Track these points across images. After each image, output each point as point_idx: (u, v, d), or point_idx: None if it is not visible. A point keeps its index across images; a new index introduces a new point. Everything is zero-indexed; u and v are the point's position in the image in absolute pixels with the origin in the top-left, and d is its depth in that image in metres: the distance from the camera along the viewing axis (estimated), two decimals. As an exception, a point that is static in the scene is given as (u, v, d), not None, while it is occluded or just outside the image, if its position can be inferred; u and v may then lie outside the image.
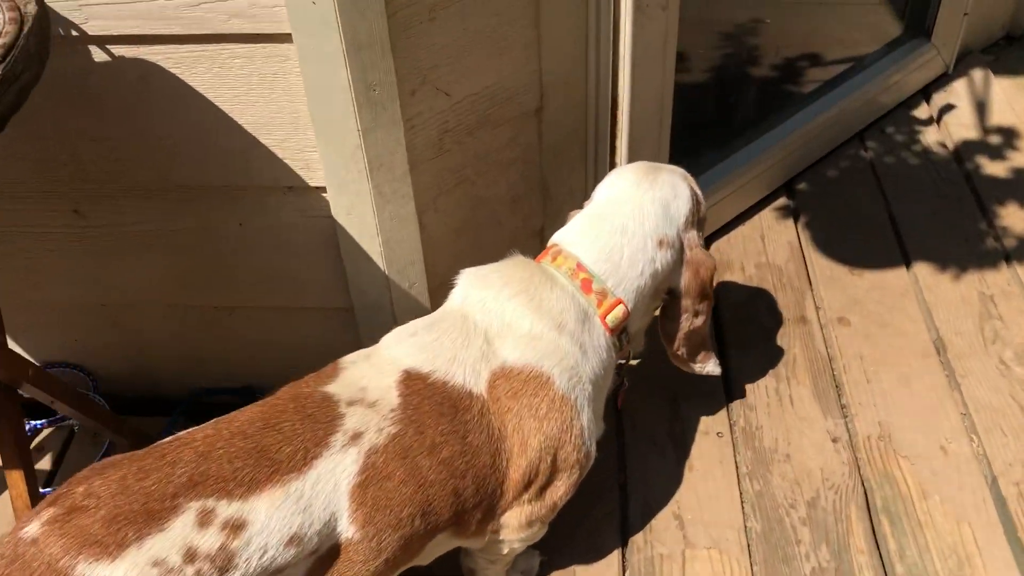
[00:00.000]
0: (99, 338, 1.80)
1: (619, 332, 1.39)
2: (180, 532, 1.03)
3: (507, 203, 1.73)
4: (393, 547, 1.18)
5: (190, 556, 1.03)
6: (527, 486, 1.29)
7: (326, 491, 1.13)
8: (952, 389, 1.80)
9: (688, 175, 1.51)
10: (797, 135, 2.29)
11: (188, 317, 1.73)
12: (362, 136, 1.37)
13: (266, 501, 1.08)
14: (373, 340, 1.33)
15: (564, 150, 1.74)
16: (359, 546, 1.16)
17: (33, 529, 1.02)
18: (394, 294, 1.60)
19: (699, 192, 1.52)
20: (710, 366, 1.60)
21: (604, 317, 1.36)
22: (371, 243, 1.52)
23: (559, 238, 1.43)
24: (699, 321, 1.51)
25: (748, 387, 1.84)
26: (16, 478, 1.45)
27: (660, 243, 1.40)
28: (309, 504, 1.11)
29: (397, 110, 1.38)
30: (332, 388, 1.23)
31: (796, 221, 2.22)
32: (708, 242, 2.18)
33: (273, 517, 1.08)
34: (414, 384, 1.24)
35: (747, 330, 1.96)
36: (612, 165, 1.80)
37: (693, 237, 1.45)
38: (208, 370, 1.85)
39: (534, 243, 1.83)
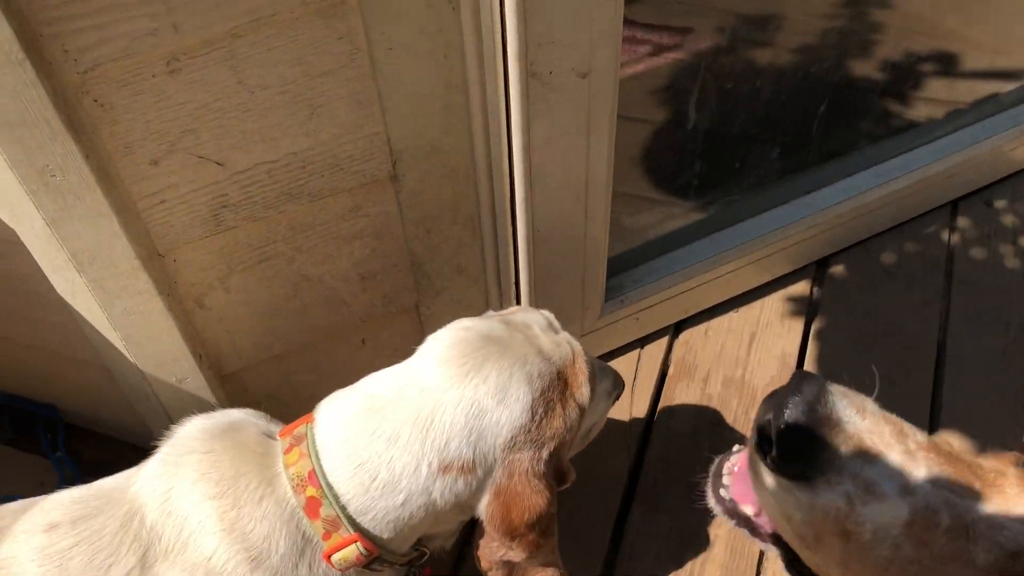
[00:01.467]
0: None
1: (369, 563, 0.98)
2: None
3: (353, 280, 1.28)
4: None
5: None
6: None
7: None
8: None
9: (555, 361, 1.01)
10: (852, 203, 1.68)
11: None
12: (52, 227, 0.96)
13: None
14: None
15: (440, 225, 1.26)
16: None
17: None
18: (157, 388, 1.23)
19: (579, 398, 1.03)
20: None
21: (328, 555, 0.95)
22: (110, 334, 1.13)
23: (324, 413, 1.01)
24: (518, 555, 1.06)
25: (637, 568, 1.40)
26: None
27: (445, 469, 0.95)
28: None
29: (100, 199, 0.95)
30: None
31: (809, 323, 1.67)
32: (680, 327, 1.67)
33: None
34: None
35: (668, 482, 1.48)
36: (516, 251, 1.31)
37: (522, 462, 0.98)
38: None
39: (404, 321, 1.39)
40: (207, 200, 1.06)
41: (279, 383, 1.41)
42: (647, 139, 1.96)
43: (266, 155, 1.05)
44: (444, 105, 1.10)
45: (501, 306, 1.43)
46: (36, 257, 1.03)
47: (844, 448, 0.78)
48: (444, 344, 1.01)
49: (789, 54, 2.04)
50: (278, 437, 1.01)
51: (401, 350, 1.45)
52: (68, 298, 1.10)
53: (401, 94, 1.06)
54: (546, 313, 1.09)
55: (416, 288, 1.35)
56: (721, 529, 1.43)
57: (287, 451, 0.97)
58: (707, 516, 1.32)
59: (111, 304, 1.07)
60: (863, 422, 0.80)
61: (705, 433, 1.54)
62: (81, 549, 0.92)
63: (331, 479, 0.95)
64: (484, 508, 0.99)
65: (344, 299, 1.31)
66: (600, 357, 1.62)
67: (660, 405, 1.58)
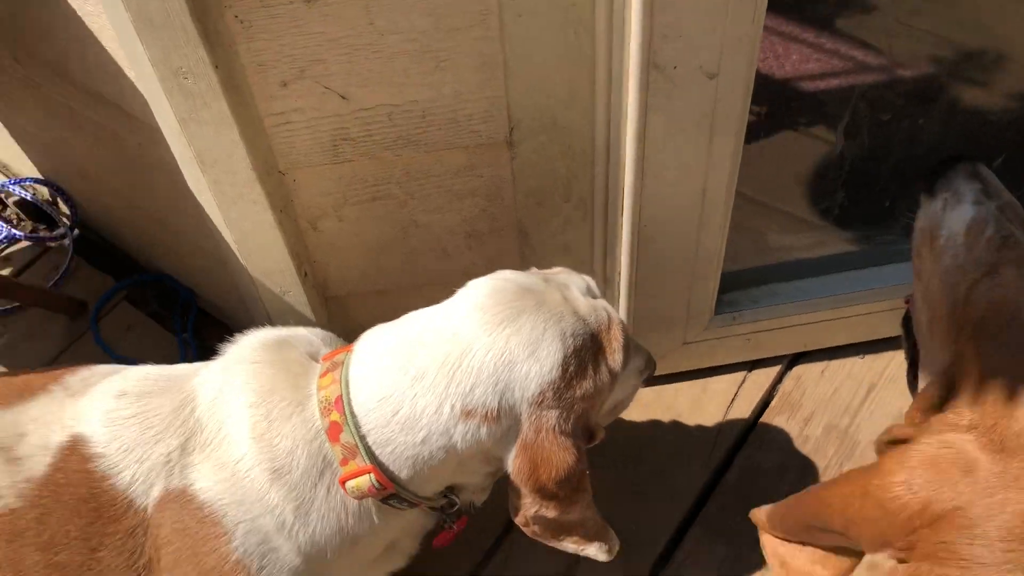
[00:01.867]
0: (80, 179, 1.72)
1: (385, 497, 1.02)
2: None
3: (460, 236, 1.31)
4: None
5: None
6: None
7: None
8: None
9: (591, 324, 1.00)
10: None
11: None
12: (182, 125, 1.05)
13: None
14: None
15: (551, 200, 1.26)
16: None
17: None
18: (263, 293, 1.31)
19: (611, 363, 1.02)
20: (591, 550, 1.16)
21: (343, 481, 0.99)
22: (226, 234, 1.22)
23: (362, 344, 1.05)
24: (549, 513, 1.07)
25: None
26: None
27: (468, 414, 0.96)
28: None
29: (224, 108, 1.02)
30: None
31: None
32: (797, 360, 1.58)
33: None
34: (71, 460, 0.99)
35: (736, 513, 1.42)
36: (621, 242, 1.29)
37: (549, 419, 0.98)
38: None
39: (506, 286, 1.41)
40: (329, 130, 1.12)
41: (379, 316, 1.46)
42: (820, 159, 1.85)
43: (389, 98, 1.09)
44: (568, 81, 1.09)
45: (605, 292, 1.41)
46: (172, 149, 1.13)
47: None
48: (482, 291, 1.01)
49: (1001, 97, 1.86)
50: (321, 361, 1.05)
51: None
52: (195, 193, 1.19)
53: (526, 63, 1.06)
54: (587, 278, 1.08)
55: (520, 257, 1.36)
56: None
57: (322, 375, 1.02)
58: (762, 562, 1.27)
59: (228, 207, 1.16)
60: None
61: (790, 474, 1.46)
62: (137, 421, 1.01)
63: (355, 407, 0.98)
64: (511, 462, 1.00)
65: (449, 252, 1.34)
66: (702, 372, 1.56)
67: (752, 434, 1.51)
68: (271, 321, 1.39)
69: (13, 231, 1.82)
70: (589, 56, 1.06)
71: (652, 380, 1.50)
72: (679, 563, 1.38)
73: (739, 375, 1.57)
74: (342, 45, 1.02)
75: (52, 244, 1.83)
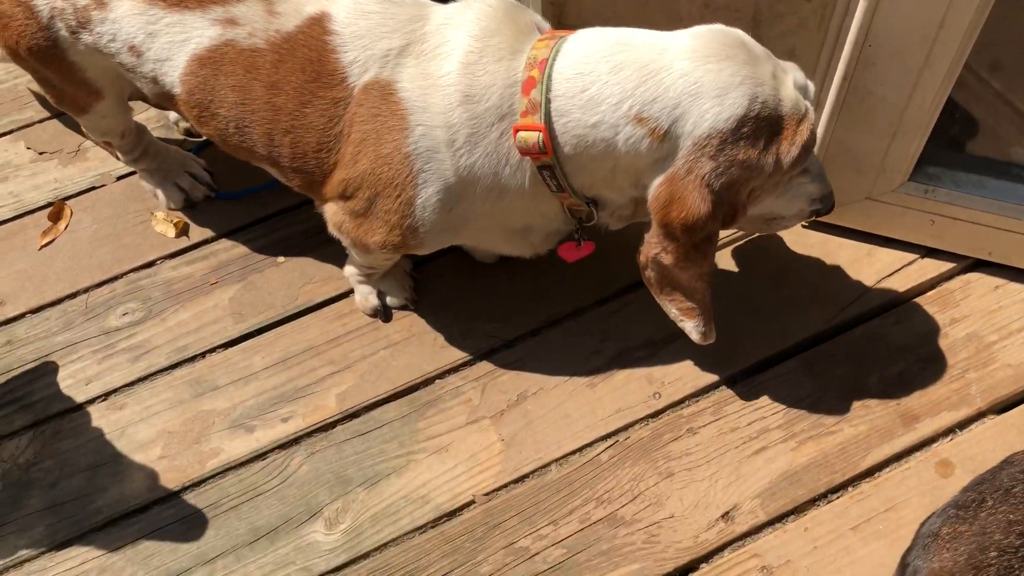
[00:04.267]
0: None
1: (542, 167, 1.15)
2: None
3: (696, 1, 1.36)
4: (212, 127, 1.28)
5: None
6: (343, 196, 1.26)
7: (174, 39, 1.23)
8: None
9: (784, 106, 1.06)
10: None
11: None
12: None
13: (128, 5, 1.23)
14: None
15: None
16: (182, 103, 1.28)
17: None
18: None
19: (783, 151, 1.07)
20: (688, 326, 1.28)
21: (517, 130, 1.12)
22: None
23: (585, 31, 1.15)
24: (667, 258, 1.18)
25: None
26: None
27: (639, 120, 1.07)
28: (159, 33, 1.23)
29: None
30: None
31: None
32: (975, 266, 1.53)
33: (127, 21, 1.23)
34: (314, 29, 1.20)
35: (841, 364, 1.45)
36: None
37: (702, 167, 1.06)
38: None
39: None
40: None
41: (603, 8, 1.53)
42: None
43: None
44: None
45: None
46: None
47: None
48: (707, 27, 1.10)
49: None
50: (544, 32, 1.18)
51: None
52: None
53: None
54: (810, 82, 1.12)
55: (752, 22, 1.39)
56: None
57: (540, 40, 1.15)
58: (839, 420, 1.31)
59: None
60: None
61: (910, 356, 1.45)
62: (376, 17, 1.19)
63: (553, 73, 1.10)
64: (653, 188, 1.10)
65: (681, 15, 1.40)
66: (874, 239, 1.55)
67: (895, 309, 1.50)
68: None
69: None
70: None
71: (823, 225, 1.53)
72: (760, 382, 1.45)
73: (909, 256, 1.55)
74: None
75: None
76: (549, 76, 1.10)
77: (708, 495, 1.36)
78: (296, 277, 1.59)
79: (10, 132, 1.81)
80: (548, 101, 1.10)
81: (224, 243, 1.65)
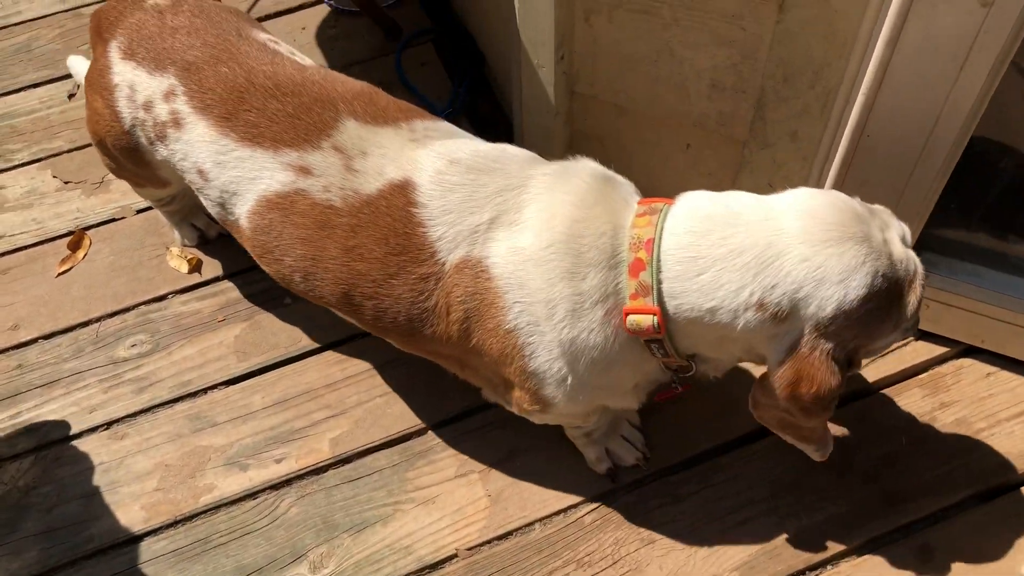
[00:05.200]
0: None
1: (650, 341, 1.13)
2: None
3: (704, 82, 1.41)
4: (274, 270, 1.27)
5: (148, 105, 1.29)
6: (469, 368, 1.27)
7: (244, 174, 1.23)
8: None
9: (900, 273, 1.05)
10: None
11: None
12: None
13: (202, 131, 1.25)
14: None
15: (797, 81, 1.32)
16: (246, 240, 1.29)
17: None
18: (523, 61, 1.49)
19: (901, 316, 1.07)
20: (809, 449, 1.26)
21: (627, 313, 1.10)
22: (516, -3, 1.40)
23: (684, 201, 1.12)
24: (794, 419, 1.16)
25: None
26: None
27: (760, 306, 1.04)
28: (228, 164, 1.23)
29: None
30: (352, 124, 1.20)
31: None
32: (967, 353, 1.54)
33: (199, 146, 1.26)
34: (398, 197, 1.16)
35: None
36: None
37: (827, 343, 1.04)
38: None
39: (727, 151, 1.50)
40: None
41: (611, 132, 1.61)
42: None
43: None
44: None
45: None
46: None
47: None
48: (816, 202, 1.06)
49: None
50: (636, 204, 1.15)
51: (715, 176, 1.60)
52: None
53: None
54: (904, 226, 1.11)
55: (750, 128, 1.44)
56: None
57: (639, 215, 1.12)
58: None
59: (526, -33, 1.34)
60: None
61: (890, 441, 1.47)
62: (463, 190, 1.16)
63: (663, 255, 1.08)
64: (775, 365, 1.07)
65: (689, 94, 1.44)
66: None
67: (882, 392, 1.52)
68: (521, 103, 1.58)
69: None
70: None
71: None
72: (749, 454, 1.47)
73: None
74: None
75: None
76: (658, 258, 1.08)
77: (688, 564, 1.37)
78: (300, 319, 1.64)
79: (39, 160, 1.88)
80: (660, 283, 1.08)
81: (234, 282, 1.69)
